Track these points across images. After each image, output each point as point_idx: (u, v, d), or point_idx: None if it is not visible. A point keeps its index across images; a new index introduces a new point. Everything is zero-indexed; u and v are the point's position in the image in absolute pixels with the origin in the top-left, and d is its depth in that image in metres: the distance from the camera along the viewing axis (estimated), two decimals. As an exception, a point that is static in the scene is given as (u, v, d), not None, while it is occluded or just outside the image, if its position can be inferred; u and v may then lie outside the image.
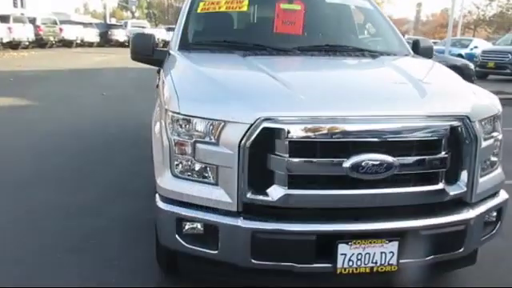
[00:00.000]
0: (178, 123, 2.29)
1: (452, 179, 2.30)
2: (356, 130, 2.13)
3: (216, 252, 2.23)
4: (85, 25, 32.56)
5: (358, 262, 2.17)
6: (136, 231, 3.45)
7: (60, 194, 4.18)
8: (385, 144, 2.14)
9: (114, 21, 47.37)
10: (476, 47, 18.44)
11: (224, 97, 2.26)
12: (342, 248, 2.15)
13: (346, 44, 3.38)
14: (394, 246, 2.19)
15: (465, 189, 2.32)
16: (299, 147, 2.11)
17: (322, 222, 2.15)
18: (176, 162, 2.33)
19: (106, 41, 33.06)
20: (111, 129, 6.85)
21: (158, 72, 4.26)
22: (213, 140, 2.20)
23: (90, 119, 7.53)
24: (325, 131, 2.11)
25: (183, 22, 3.45)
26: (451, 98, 2.41)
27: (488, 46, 18.69)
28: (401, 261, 2.21)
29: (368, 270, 2.19)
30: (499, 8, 49.48)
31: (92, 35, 32.34)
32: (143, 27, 37.44)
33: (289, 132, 2.09)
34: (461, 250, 2.33)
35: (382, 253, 2.18)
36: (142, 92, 10.90)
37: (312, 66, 3.02)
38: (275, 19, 3.59)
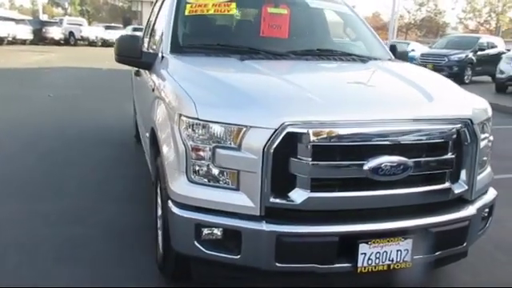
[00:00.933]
0: (195, 128, 2.27)
1: (455, 178, 2.45)
2: (375, 132, 2.22)
3: (238, 257, 2.23)
4: (17, 21, 30.85)
5: (377, 261, 2.26)
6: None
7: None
8: (401, 146, 2.24)
9: (45, 17, 45.20)
10: (413, 50, 19.37)
11: (244, 102, 2.27)
12: (363, 247, 2.23)
13: (335, 48, 3.49)
14: (408, 244, 2.30)
15: (466, 187, 2.47)
16: (322, 151, 2.16)
17: (344, 223, 2.22)
18: (193, 168, 2.30)
19: (40, 38, 31.50)
20: (67, 130, 6.61)
21: (137, 74, 4.19)
22: (234, 145, 2.20)
23: (41, 121, 7.19)
24: (347, 135, 2.19)
25: (172, 25, 3.39)
26: (455, 101, 2.56)
27: (425, 49, 19.70)
28: (414, 257, 2.32)
29: (385, 268, 2.29)
30: (428, 13, 52.60)
31: (25, 32, 30.69)
32: (80, 25, 36.15)
33: (312, 136, 2.14)
34: (464, 245, 2.49)
35: (397, 250, 2.29)
36: (90, 92, 10.61)
37: (315, 70, 3.09)
38: (262, 23, 3.63)
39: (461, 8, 54.39)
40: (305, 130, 2.13)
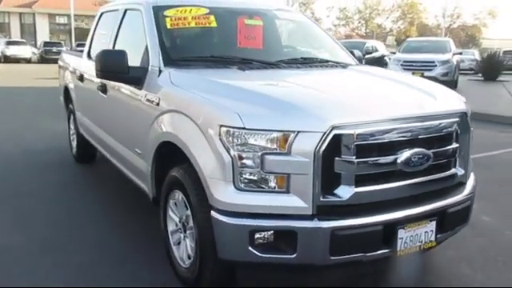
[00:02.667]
0: (241, 138, 2.35)
1: (456, 165, 2.82)
2: (404, 128, 2.50)
3: (294, 256, 2.35)
4: None
5: (411, 243, 2.53)
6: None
7: None
8: (422, 139, 2.55)
9: None
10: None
11: (287, 109, 2.40)
12: (400, 233, 2.49)
13: (314, 56, 3.73)
14: (433, 225, 2.60)
15: (463, 172, 2.85)
16: (363, 149, 2.38)
17: (385, 213, 2.45)
18: (240, 176, 2.38)
19: None
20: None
21: (102, 91, 4.04)
22: (284, 150, 2.33)
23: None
24: (383, 132, 2.43)
25: (157, 39, 3.38)
26: (452, 98, 2.94)
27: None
28: (437, 236, 2.64)
29: (417, 249, 2.57)
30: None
31: None
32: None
33: (355, 136, 2.35)
34: (467, 222, 2.88)
35: (425, 232, 2.58)
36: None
37: (319, 76, 3.30)
38: (238, 34, 3.77)
39: (335, 15, 58.70)
40: (350, 131, 2.33)
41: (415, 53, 15.08)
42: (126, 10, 4.17)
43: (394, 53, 18.06)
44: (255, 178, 2.38)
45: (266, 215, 2.37)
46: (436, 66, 14.29)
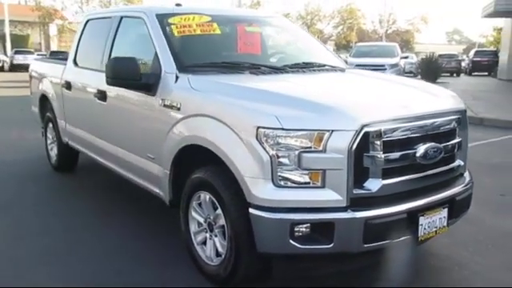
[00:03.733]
0: (280, 138, 2.52)
1: (457, 157, 3.13)
2: (421, 124, 2.77)
3: (331, 245, 2.54)
4: None
5: (429, 229, 2.79)
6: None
7: None
8: (434, 134, 2.82)
9: None
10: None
11: (320, 110, 2.59)
12: (421, 219, 2.74)
13: (313, 61, 3.95)
14: (445, 212, 2.88)
15: (463, 163, 3.16)
16: (389, 144, 2.62)
17: (408, 202, 2.69)
18: (279, 173, 2.54)
19: None
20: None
21: (102, 98, 4.05)
22: (319, 148, 2.52)
23: None
24: (404, 129, 2.69)
25: (167, 46, 3.47)
26: (453, 97, 3.24)
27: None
28: (449, 221, 2.92)
29: (433, 234, 2.83)
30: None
31: None
32: None
33: (382, 133, 2.58)
34: (470, 208, 3.18)
35: (439, 218, 2.85)
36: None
37: (329, 80, 3.52)
38: (238, 41, 3.94)
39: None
40: (378, 129, 2.56)
41: (365, 57, 15.78)
42: (121, 18, 4.21)
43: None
44: (293, 174, 2.55)
45: (304, 209, 2.55)
46: (386, 69, 14.95)
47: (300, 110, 2.62)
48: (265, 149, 2.55)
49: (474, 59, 32.37)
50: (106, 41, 4.29)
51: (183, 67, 3.35)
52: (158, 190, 3.51)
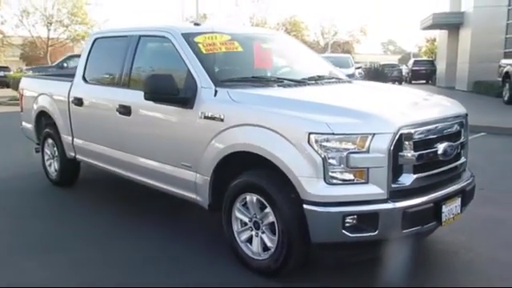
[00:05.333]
0: (330, 141, 2.92)
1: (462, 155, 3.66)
2: (442, 127, 3.28)
3: (376, 233, 2.96)
4: None
5: (449, 215, 3.27)
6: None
7: None
8: (449, 135, 3.33)
9: None
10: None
11: (362, 116, 3.02)
12: (443, 208, 3.22)
13: (324, 74, 4.39)
14: (459, 201, 3.38)
15: (466, 160, 3.70)
16: (419, 144, 3.09)
17: (434, 192, 3.17)
18: (330, 173, 2.94)
19: None
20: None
21: (126, 113, 4.26)
22: (364, 149, 2.94)
23: None
24: (429, 131, 3.17)
25: (199, 63, 3.76)
26: (457, 104, 3.77)
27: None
28: (462, 209, 3.42)
29: (452, 220, 3.32)
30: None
31: None
32: None
33: (414, 134, 3.05)
34: (473, 198, 3.71)
35: (455, 206, 3.35)
36: None
37: (350, 90, 3.98)
38: (255, 57, 4.33)
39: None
40: (411, 131, 3.03)
41: None
42: (140, 37, 4.45)
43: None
44: (342, 173, 2.95)
45: (352, 202, 2.96)
46: None
47: (345, 117, 3.03)
48: (317, 152, 2.94)
49: (413, 68, 34.35)
50: (124, 58, 4.51)
51: (219, 82, 3.67)
52: (194, 196, 3.79)
